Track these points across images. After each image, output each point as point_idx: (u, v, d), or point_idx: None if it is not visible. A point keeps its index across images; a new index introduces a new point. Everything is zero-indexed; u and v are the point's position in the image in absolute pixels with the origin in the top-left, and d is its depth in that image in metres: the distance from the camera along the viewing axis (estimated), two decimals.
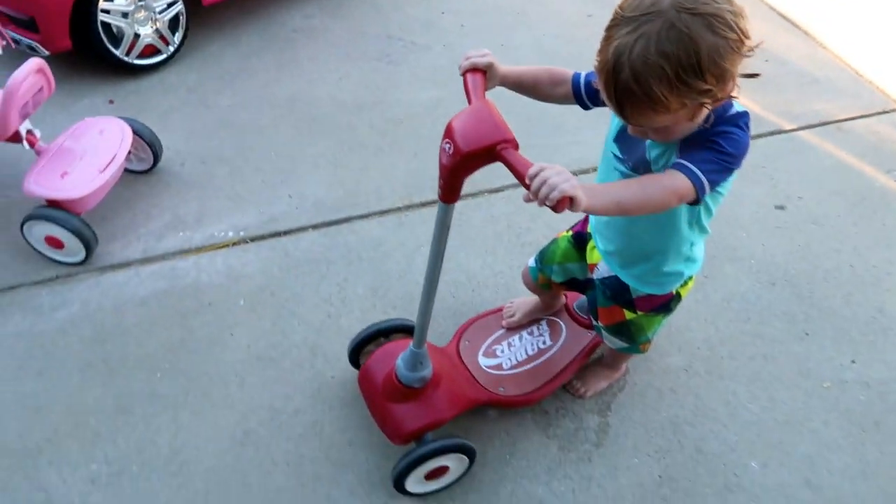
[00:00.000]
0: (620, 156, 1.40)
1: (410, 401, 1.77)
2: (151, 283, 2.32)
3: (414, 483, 1.79)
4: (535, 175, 1.08)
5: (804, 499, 1.89)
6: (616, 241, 1.59)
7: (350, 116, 3.00)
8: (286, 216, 2.56)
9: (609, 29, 1.14)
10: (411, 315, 2.25)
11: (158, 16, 3.03)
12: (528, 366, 2.00)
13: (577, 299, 2.14)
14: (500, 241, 2.53)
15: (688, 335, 2.25)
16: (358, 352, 2.00)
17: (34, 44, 2.59)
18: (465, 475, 1.87)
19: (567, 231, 1.86)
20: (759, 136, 3.05)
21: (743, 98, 3.43)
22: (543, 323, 2.11)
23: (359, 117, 2.99)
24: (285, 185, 2.68)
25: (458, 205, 2.66)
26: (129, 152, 2.46)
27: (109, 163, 2.32)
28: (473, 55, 1.37)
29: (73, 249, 2.29)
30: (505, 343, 2.05)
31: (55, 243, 2.27)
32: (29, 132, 2.30)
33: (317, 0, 3.75)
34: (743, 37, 1.11)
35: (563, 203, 1.08)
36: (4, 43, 2.38)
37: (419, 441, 1.76)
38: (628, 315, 1.69)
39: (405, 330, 1.99)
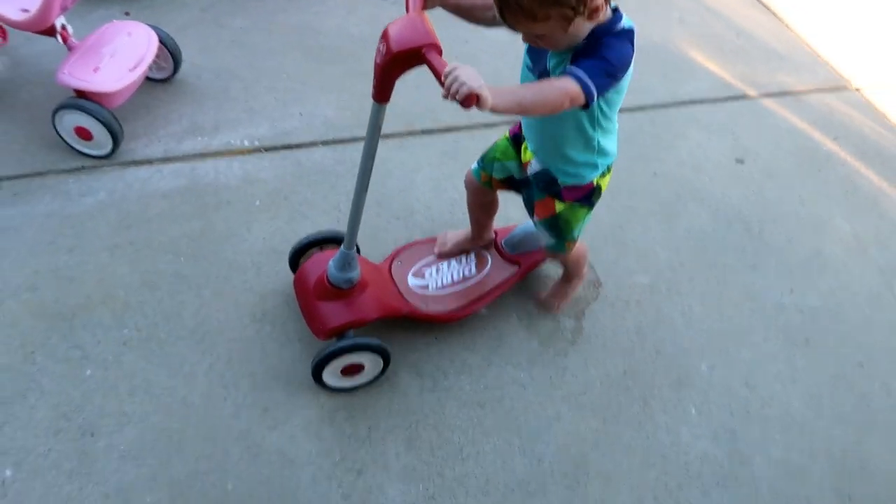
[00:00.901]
0: (531, 65, 1.62)
1: (337, 300, 1.92)
2: (173, 180, 2.50)
3: (331, 376, 1.96)
4: (449, 73, 1.24)
5: (743, 395, 2.23)
6: (536, 140, 1.83)
7: (356, 47, 3.19)
8: (297, 131, 2.76)
9: None
10: (411, 226, 2.50)
11: None
12: (452, 289, 2.20)
13: (505, 237, 2.34)
14: None
15: (653, 259, 2.56)
16: (298, 257, 2.15)
17: None
18: (381, 376, 2.04)
19: (505, 134, 2.05)
20: (727, 99, 3.38)
21: (714, 67, 3.76)
22: (472, 254, 2.31)
23: (364, 49, 3.18)
24: (296, 104, 2.87)
25: (457, 136, 2.92)
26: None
27: (138, 63, 2.46)
28: None
29: (101, 142, 2.44)
30: (434, 267, 2.24)
31: (84, 134, 2.42)
32: (63, 27, 2.42)
33: None
34: None
35: (471, 99, 1.22)
36: None
37: (341, 338, 1.91)
38: (558, 207, 1.88)
39: (338, 240, 2.11)
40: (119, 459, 1.82)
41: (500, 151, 2.02)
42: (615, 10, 1.49)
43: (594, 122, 1.65)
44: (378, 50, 1.41)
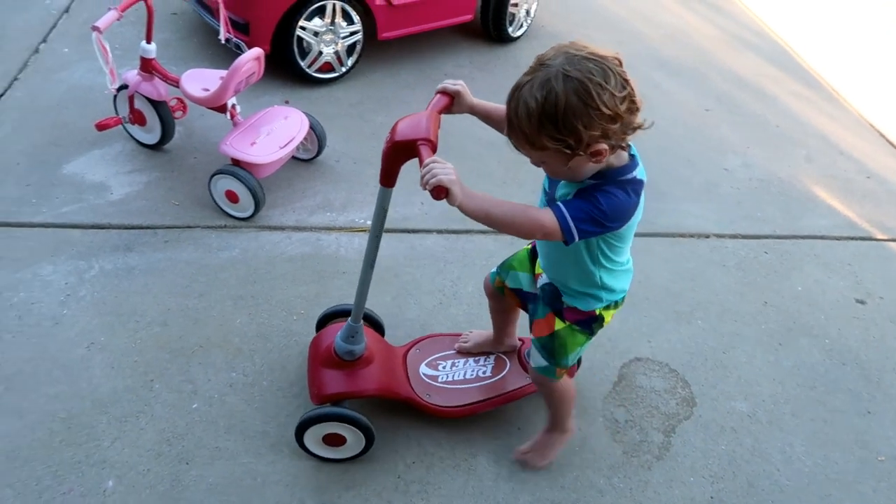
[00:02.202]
0: (547, 190, 1.64)
1: (337, 369, 1.98)
2: (299, 247, 2.74)
3: (311, 441, 1.99)
4: (427, 165, 1.32)
5: None
6: (543, 260, 1.83)
7: (481, 150, 3.43)
8: (416, 218, 2.97)
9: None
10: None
11: (341, 40, 3.60)
12: (461, 386, 2.17)
13: (529, 348, 2.24)
14: None
15: (756, 388, 2.46)
16: (325, 322, 2.24)
17: (241, 43, 3.14)
18: (362, 454, 2.03)
19: (528, 245, 2.04)
20: (850, 238, 3.28)
21: (839, 205, 3.69)
22: (492, 357, 2.27)
23: (489, 152, 3.42)
24: (419, 194, 3.04)
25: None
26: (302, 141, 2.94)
27: (288, 143, 2.79)
28: (448, 82, 1.63)
29: (245, 205, 2.75)
30: (450, 361, 2.23)
31: (232, 197, 2.74)
32: (233, 106, 2.81)
33: (468, 53, 4.29)
34: (604, 109, 1.30)
35: (439, 191, 1.31)
36: (228, 36, 2.93)
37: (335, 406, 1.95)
38: (557, 325, 1.82)
39: (369, 318, 2.24)
40: (206, 491, 1.94)
41: (517, 261, 2.04)
42: (633, 157, 1.49)
43: (594, 260, 1.64)
44: (385, 139, 1.54)
